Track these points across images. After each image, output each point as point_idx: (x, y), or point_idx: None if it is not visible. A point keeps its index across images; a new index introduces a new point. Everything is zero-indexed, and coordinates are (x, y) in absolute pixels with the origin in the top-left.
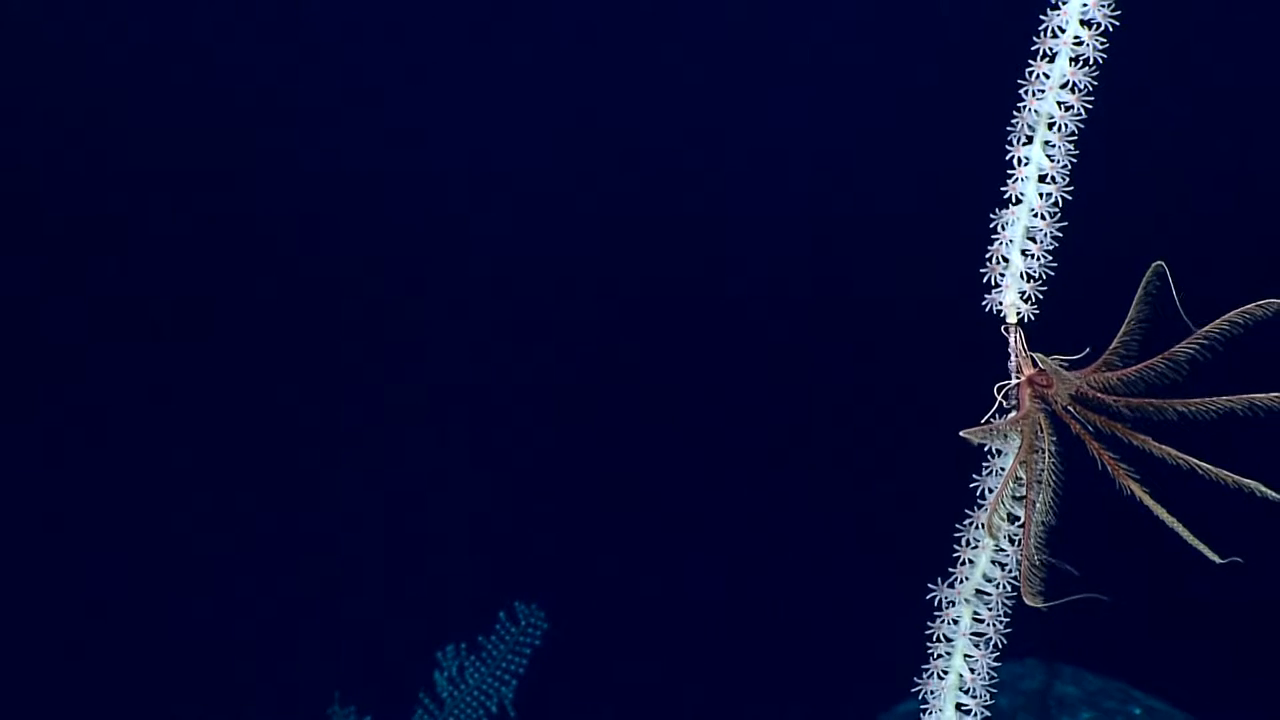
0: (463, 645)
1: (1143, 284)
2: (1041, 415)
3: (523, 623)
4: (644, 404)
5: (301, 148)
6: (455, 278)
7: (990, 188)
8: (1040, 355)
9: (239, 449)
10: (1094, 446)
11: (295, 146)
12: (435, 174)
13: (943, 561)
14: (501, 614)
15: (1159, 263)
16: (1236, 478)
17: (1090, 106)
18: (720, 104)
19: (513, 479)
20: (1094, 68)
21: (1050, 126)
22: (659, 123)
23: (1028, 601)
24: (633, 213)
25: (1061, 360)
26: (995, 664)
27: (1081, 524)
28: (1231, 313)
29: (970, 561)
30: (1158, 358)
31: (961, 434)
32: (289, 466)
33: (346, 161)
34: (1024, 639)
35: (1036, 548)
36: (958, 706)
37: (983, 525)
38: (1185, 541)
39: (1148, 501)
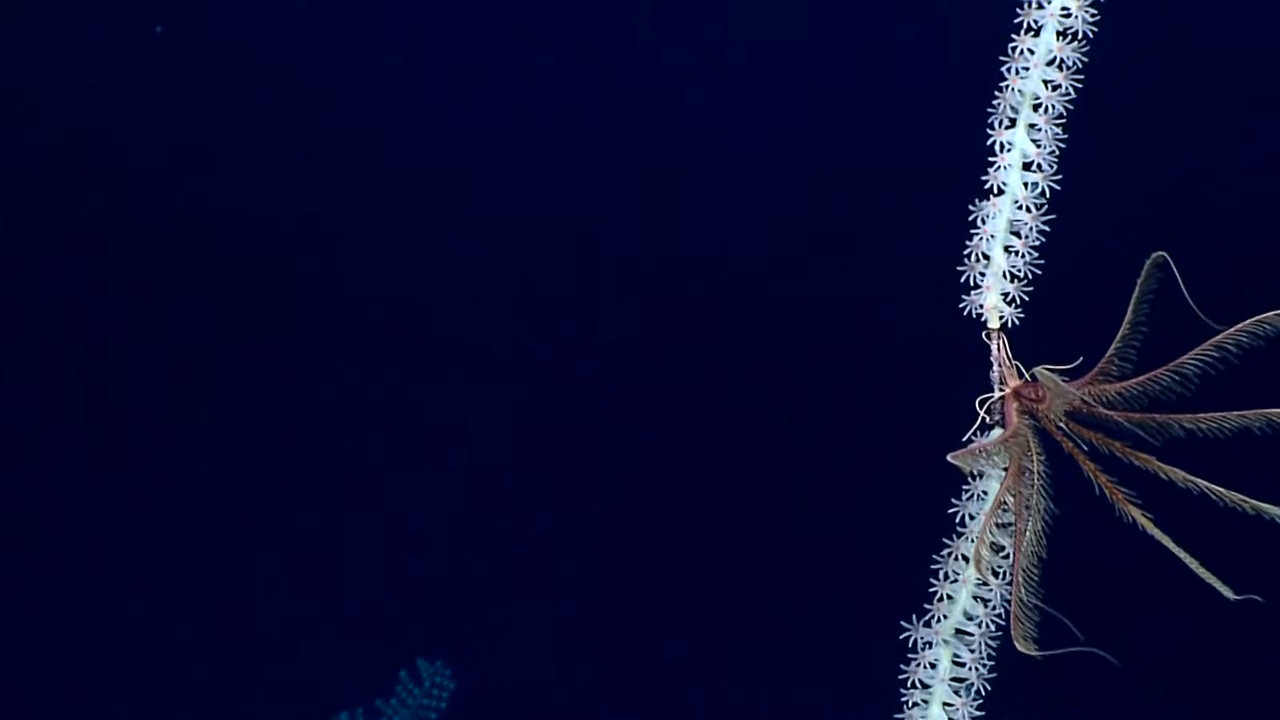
0: (359, 711)
1: (1140, 281)
2: (1030, 432)
3: (427, 683)
4: (566, 422)
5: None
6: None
7: (970, 177)
8: (1040, 368)
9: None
10: (1089, 467)
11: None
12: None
13: (916, 599)
14: (403, 674)
15: (1160, 254)
16: (1256, 503)
17: (1080, 85)
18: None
19: (428, 519)
20: (1083, 42)
21: (1035, 108)
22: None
23: (1019, 647)
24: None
25: (1054, 371)
26: (978, 714)
27: (1069, 555)
28: (1247, 321)
29: (949, 597)
30: (1161, 369)
31: (949, 458)
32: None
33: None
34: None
35: (1027, 584)
36: None
37: (965, 557)
38: (1192, 577)
39: (1151, 529)
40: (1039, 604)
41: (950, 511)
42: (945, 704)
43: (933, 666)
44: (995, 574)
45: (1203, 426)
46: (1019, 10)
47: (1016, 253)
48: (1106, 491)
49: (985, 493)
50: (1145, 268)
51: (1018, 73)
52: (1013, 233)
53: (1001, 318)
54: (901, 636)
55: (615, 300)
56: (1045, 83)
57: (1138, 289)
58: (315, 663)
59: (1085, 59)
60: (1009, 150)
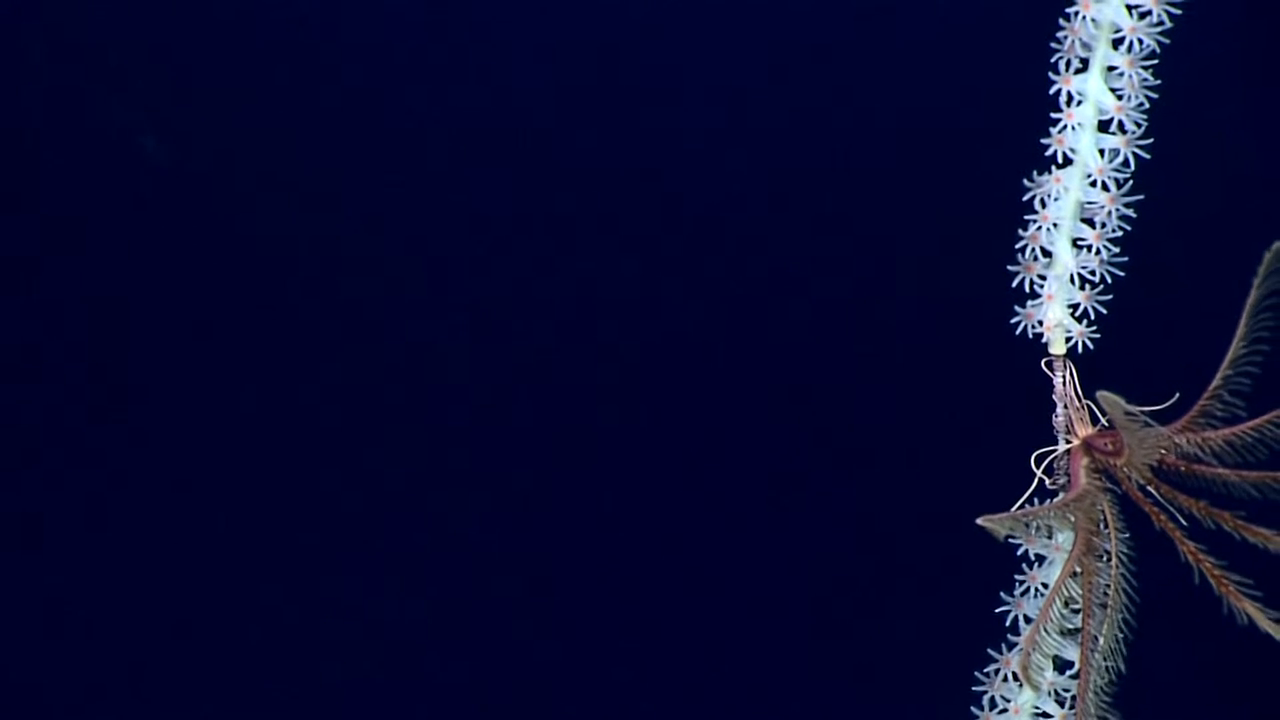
0: None
1: (1258, 281)
2: (1106, 499)
3: None
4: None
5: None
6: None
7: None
8: (1107, 398)
9: None
10: (1188, 549)
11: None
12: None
13: None
14: None
15: None
16: None
17: (1178, 13)
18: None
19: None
20: None
21: (1116, 45)
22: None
23: None
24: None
25: (1137, 412)
26: None
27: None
28: None
29: None
30: None
31: (980, 521)
32: None
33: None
34: None
35: (1098, 708)
36: None
37: (1015, 674)
38: None
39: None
40: None
41: (998, 611)
42: None
43: None
44: (1059, 700)
45: None
46: None
47: (1089, 248)
48: (1213, 581)
49: (1047, 585)
50: (1265, 262)
51: None
52: (1084, 220)
53: (1069, 339)
54: None
55: (641, 301)
56: (1129, 8)
57: (1254, 293)
58: None
59: None
60: (1079, 104)
